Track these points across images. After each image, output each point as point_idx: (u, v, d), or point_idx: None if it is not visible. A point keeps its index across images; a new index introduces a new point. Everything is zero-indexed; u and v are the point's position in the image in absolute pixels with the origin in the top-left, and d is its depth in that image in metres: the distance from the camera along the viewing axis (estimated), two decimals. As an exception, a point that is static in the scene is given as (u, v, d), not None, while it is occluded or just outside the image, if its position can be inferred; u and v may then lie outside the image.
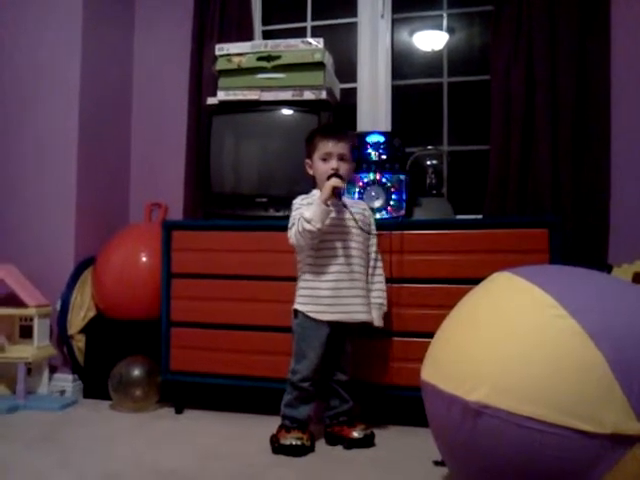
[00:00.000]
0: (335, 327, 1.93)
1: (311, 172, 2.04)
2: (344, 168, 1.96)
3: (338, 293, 1.92)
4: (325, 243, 1.94)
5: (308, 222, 1.84)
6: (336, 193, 1.88)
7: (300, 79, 2.36)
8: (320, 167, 1.98)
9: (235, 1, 2.80)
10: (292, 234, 1.92)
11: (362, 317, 1.96)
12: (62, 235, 2.66)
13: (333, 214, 1.93)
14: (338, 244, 1.95)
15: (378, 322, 2.00)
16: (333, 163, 1.94)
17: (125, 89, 3.04)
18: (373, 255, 2.04)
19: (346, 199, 2.04)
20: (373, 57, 2.81)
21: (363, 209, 2.07)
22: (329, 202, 1.88)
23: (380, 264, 2.06)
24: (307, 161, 2.05)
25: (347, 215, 1.97)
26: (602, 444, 1.06)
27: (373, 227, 2.08)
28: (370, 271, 2.03)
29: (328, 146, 1.96)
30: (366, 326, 1.99)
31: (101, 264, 2.57)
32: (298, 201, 1.99)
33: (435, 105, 2.79)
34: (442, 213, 2.35)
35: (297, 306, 1.96)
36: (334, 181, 1.88)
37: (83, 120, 2.70)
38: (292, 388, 1.94)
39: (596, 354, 1.09)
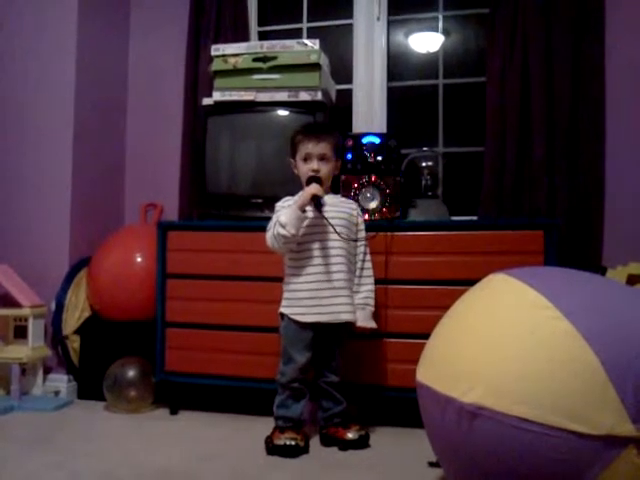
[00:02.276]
0: (320, 328, 1.91)
1: (296, 172, 2.02)
2: (325, 169, 1.93)
3: (319, 294, 1.89)
4: (305, 245, 1.91)
5: (283, 227, 1.81)
6: (315, 200, 1.85)
7: (296, 80, 2.36)
8: (301, 168, 1.96)
9: (231, 2, 2.80)
10: (268, 237, 1.90)
11: (346, 317, 1.92)
12: (57, 235, 2.65)
13: (311, 214, 1.89)
14: (318, 245, 1.91)
15: (362, 322, 1.96)
16: (313, 164, 1.92)
17: (120, 90, 3.04)
18: (360, 256, 2.00)
19: (333, 197, 2.00)
20: (369, 59, 2.81)
21: (350, 209, 2.02)
22: (306, 208, 1.85)
23: (368, 265, 2.02)
24: (291, 161, 2.03)
25: (330, 215, 1.89)
26: (596, 445, 1.07)
27: (362, 227, 2.03)
28: (357, 272, 2.00)
29: (308, 147, 1.93)
30: (353, 327, 1.97)
31: (96, 265, 2.56)
32: (280, 203, 1.97)
33: (431, 107, 2.80)
34: (437, 214, 2.35)
35: (281, 309, 1.96)
36: (313, 188, 1.85)
37: (78, 121, 2.69)
38: (282, 389, 1.94)
39: (590, 356, 1.10)
